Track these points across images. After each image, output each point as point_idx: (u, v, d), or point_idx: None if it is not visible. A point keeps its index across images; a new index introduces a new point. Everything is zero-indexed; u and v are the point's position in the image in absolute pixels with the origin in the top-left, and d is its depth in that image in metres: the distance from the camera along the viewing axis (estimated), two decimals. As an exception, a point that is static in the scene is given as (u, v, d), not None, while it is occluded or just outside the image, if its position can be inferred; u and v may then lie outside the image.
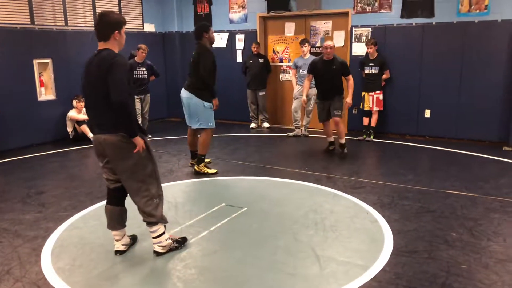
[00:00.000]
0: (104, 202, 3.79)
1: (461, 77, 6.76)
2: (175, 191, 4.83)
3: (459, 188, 4.72)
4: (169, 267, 3.11)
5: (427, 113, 7.13)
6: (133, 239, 3.47)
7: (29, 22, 6.82)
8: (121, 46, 3.07)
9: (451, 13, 6.69)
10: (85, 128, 7.07)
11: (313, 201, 4.37)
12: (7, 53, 6.50)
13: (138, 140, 2.96)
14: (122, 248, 3.29)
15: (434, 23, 6.84)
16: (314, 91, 7.38)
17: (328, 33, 7.89)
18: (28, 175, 5.46)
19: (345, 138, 6.25)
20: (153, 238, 3.19)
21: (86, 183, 5.10)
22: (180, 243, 3.34)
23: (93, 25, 7.66)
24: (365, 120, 7.25)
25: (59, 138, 7.29)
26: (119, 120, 2.91)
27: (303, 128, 7.63)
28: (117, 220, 3.22)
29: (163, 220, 3.17)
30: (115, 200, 3.21)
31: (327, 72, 5.93)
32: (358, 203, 4.30)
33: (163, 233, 3.20)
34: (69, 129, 7.26)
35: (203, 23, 5.36)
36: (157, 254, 3.22)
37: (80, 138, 7.16)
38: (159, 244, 3.20)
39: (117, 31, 2.99)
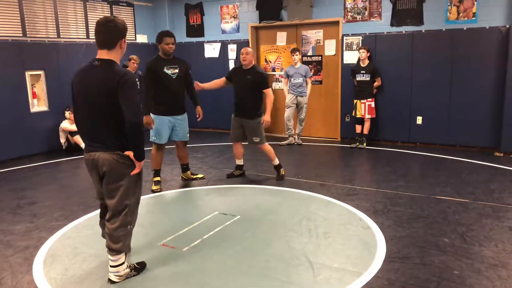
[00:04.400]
0: (97, 211, 3.80)
1: (452, 84, 6.84)
2: (168, 200, 4.82)
3: (451, 194, 4.75)
4: (161, 275, 3.09)
5: (419, 120, 7.19)
6: None
7: (21, 34, 6.82)
8: (121, 56, 2.88)
9: (440, 21, 6.79)
10: (78, 139, 7.05)
11: (306, 208, 4.38)
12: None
13: (140, 164, 2.85)
14: None
15: (423, 30, 6.94)
16: (305, 99, 7.46)
17: (319, 42, 7.97)
18: (19, 186, 5.42)
19: (278, 161, 5.47)
20: (111, 266, 2.94)
21: (79, 193, 5.08)
22: (138, 270, 3.10)
23: (84, 37, 7.73)
24: (358, 128, 7.29)
25: (51, 149, 7.26)
26: (131, 140, 2.78)
27: (296, 136, 7.66)
28: None
29: (126, 248, 2.96)
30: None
31: (241, 81, 5.23)
32: (351, 210, 4.31)
33: (123, 262, 2.97)
34: (62, 140, 7.24)
35: (161, 32, 5.04)
36: (112, 282, 2.96)
37: (73, 149, 7.14)
38: (115, 274, 2.96)
39: (123, 39, 2.80)
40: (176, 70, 4.94)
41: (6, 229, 4.01)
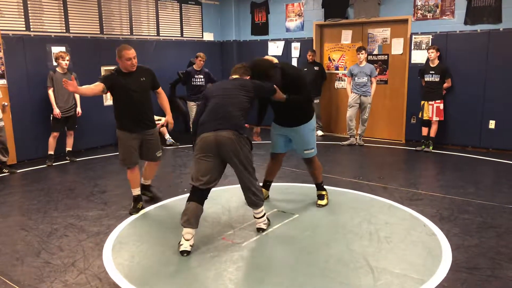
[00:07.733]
0: (161, 203, 3.97)
1: (531, 87, 6.36)
2: (229, 195, 4.92)
3: (527, 204, 4.43)
4: (221, 268, 3.17)
5: (492, 124, 6.76)
6: None
7: (98, 32, 7.27)
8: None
9: (520, 19, 6.33)
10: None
11: (367, 211, 4.28)
12: (78, 60, 6.96)
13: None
14: (189, 248, 3.36)
15: (501, 29, 6.50)
16: (369, 99, 7.28)
17: (386, 41, 7.73)
18: (93, 174, 5.80)
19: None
20: (259, 218, 3.74)
21: (145, 184, 5.32)
22: (269, 220, 3.91)
23: (155, 34, 8.07)
24: (424, 130, 7.00)
25: (121, 141, 7.65)
26: None
27: (358, 137, 7.50)
28: (196, 218, 3.39)
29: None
30: (201, 199, 3.47)
31: (132, 90, 4.14)
32: (415, 215, 4.16)
33: (264, 213, 3.77)
34: (130, 133, 7.61)
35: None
36: (262, 230, 3.76)
37: (140, 142, 7.48)
38: (264, 222, 3.78)
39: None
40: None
41: (81, 214, 4.31)
